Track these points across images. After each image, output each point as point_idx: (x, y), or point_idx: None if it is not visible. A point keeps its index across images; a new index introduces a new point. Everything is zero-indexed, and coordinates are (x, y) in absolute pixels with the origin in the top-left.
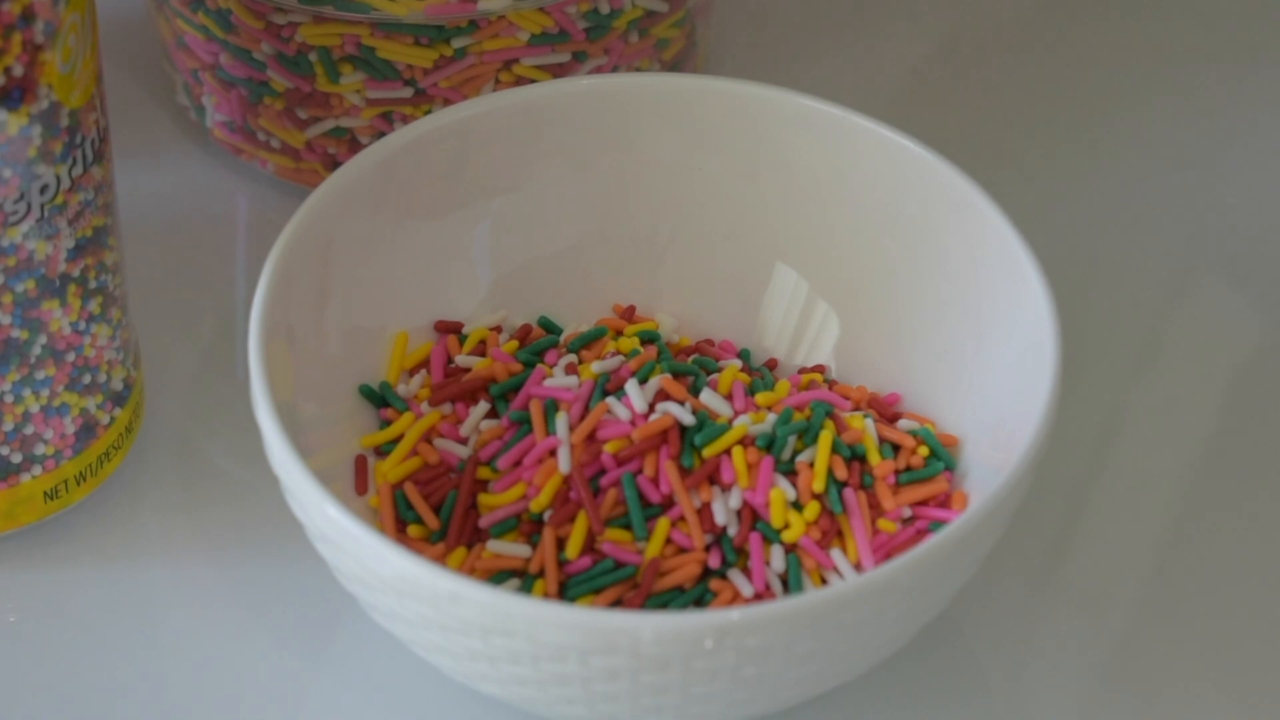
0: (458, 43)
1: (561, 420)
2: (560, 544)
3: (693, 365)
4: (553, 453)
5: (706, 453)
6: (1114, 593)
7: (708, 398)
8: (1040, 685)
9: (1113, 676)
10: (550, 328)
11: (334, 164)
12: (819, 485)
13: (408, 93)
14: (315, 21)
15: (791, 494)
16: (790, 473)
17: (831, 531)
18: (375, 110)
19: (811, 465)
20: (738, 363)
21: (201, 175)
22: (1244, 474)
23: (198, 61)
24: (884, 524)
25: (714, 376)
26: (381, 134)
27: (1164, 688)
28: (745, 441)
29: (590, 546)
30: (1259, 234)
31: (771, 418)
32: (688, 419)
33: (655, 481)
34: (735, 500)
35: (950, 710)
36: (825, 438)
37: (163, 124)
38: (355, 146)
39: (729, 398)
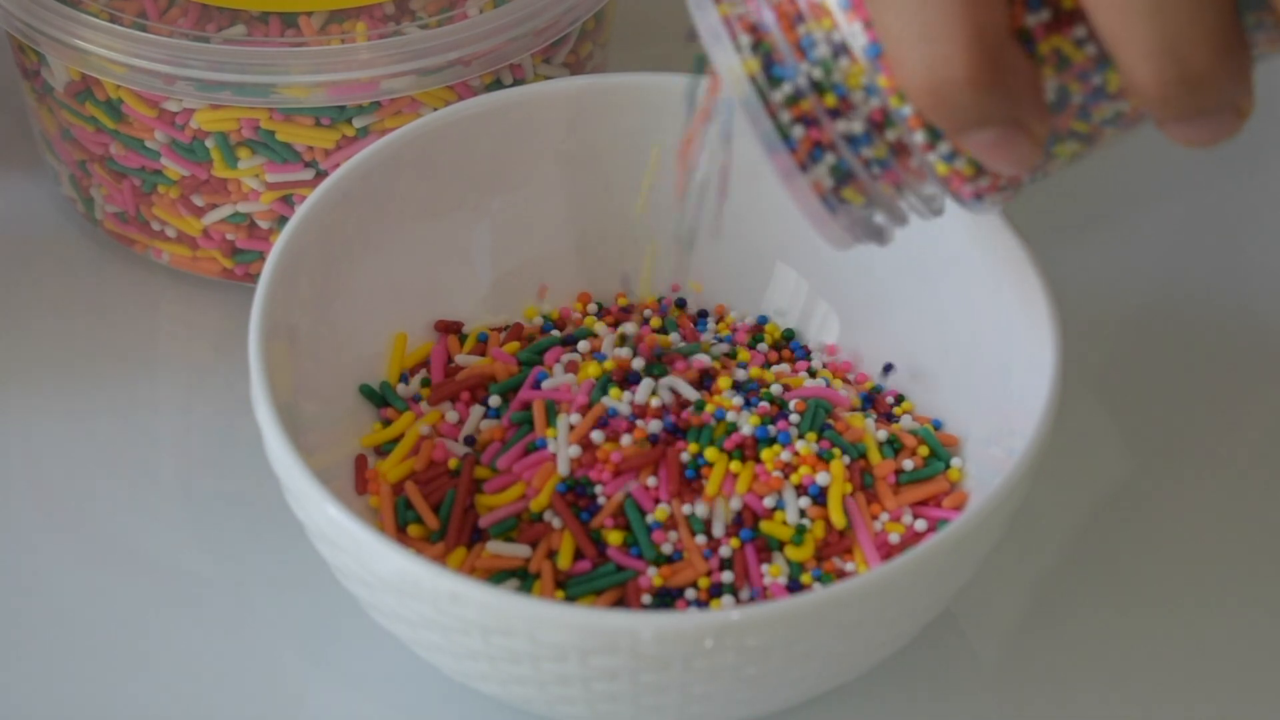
0: (360, 122)
1: (562, 420)
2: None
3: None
4: (553, 452)
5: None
6: (1114, 592)
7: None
8: (1040, 685)
9: (1114, 676)
10: (550, 327)
11: (233, 250)
12: (839, 520)
13: (309, 175)
14: (211, 107)
15: (792, 497)
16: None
17: (835, 544)
18: (275, 194)
19: (811, 466)
20: (736, 362)
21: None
22: (1246, 476)
23: (85, 153)
24: (887, 525)
25: (713, 383)
26: (283, 218)
27: (1165, 686)
28: (745, 442)
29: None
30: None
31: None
32: (691, 394)
33: (656, 488)
34: (736, 502)
35: (950, 710)
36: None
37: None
38: (255, 231)
39: (732, 391)
